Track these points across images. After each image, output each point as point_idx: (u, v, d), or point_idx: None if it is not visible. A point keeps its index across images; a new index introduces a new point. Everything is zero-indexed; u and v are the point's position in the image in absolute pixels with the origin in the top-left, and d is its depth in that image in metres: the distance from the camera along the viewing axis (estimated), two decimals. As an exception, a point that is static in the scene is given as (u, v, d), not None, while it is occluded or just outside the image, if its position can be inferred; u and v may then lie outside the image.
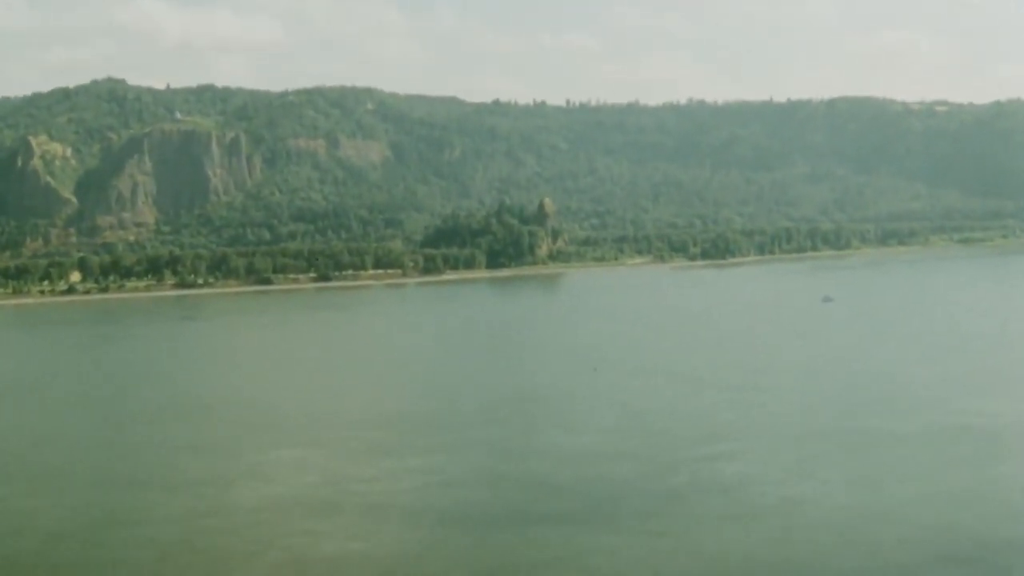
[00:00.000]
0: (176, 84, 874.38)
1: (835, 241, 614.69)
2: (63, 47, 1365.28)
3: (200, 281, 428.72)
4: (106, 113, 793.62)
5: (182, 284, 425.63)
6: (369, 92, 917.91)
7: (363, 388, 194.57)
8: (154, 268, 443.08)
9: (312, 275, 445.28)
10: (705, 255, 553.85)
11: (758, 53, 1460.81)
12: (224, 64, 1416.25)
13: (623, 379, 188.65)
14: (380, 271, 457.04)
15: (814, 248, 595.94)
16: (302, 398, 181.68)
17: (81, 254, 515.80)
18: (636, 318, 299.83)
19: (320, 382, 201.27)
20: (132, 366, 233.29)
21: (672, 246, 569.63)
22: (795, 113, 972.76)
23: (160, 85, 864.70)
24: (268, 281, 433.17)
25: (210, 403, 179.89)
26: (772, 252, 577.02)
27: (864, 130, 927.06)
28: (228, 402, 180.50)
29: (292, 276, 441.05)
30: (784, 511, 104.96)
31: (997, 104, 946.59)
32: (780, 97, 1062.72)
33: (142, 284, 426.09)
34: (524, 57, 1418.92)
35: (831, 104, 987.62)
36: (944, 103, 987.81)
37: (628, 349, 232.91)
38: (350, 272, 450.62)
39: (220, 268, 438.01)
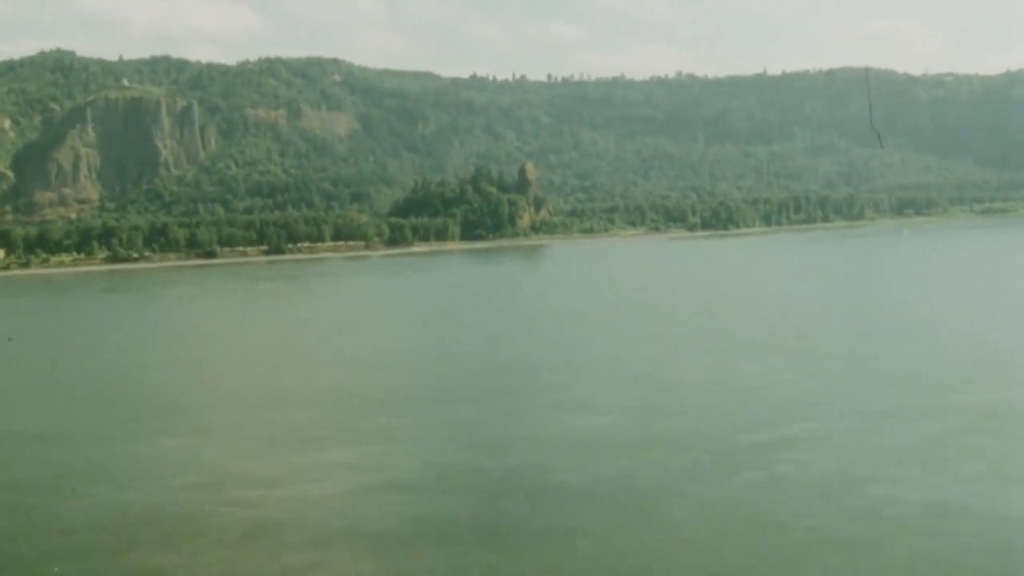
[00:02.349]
0: (130, 56, 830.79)
1: (847, 211, 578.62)
2: (28, 39, 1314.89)
3: (135, 255, 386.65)
4: (49, 83, 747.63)
5: (115, 258, 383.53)
6: (336, 63, 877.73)
7: (298, 360, 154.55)
8: (86, 242, 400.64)
9: (263, 248, 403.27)
10: (706, 225, 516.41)
11: (748, 38, 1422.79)
12: (195, 54, 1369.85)
13: (638, 346, 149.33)
14: (340, 243, 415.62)
15: (825, 219, 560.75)
16: (216, 373, 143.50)
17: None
18: (642, 284, 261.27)
19: (244, 354, 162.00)
20: (16, 341, 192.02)
21: (669, 216, 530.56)
22: (792, 84, 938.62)
23: (112, 57, 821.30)
24: (213, 254, 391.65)
25: (95, 380, 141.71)
26: (779, 223, 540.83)
27: (867, 101, 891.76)
28: (119, 379, 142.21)
29: (240, 249, 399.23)
30: (937, 527, 65.99)
31: (1008, 73, 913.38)
32: (774, 70, 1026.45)
33: (69, 259, 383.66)
34: (506, 46, 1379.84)
35: (830, 75, 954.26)
36: (951, 75, 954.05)
37: (640, 314, 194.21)
38: (306, 244, 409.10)
39: (158, 240, 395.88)
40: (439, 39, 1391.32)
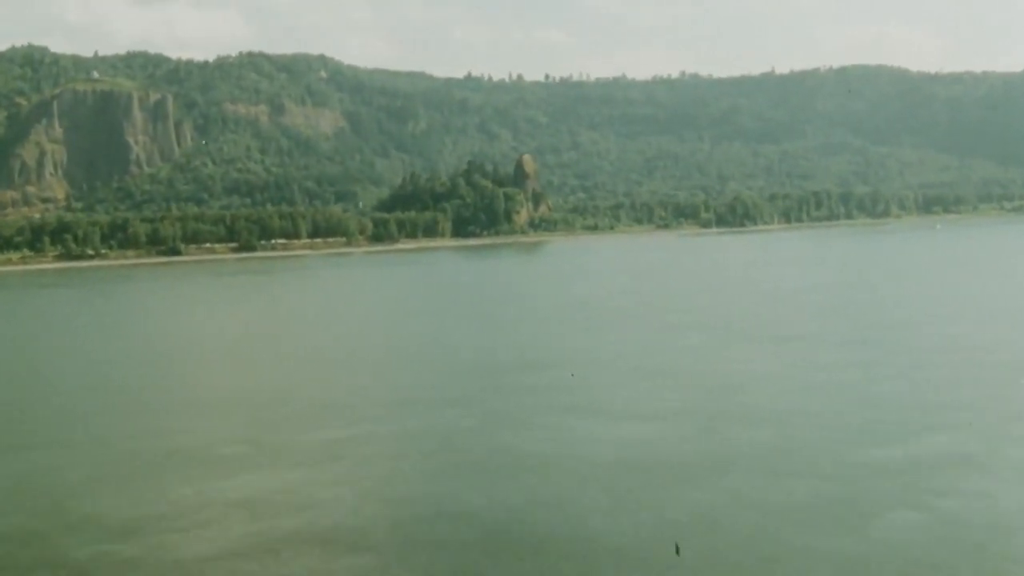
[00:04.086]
0: (106, 51, 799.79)
1: (871, 208, 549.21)
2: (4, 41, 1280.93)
3: (91, 252, 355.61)
4: (17, 78, 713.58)
5: (68, 256, 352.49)
6: (323, 59, 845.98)
7: (239, 357, 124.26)
8: (40, 239, 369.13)
9: (233, 245, 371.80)
10: (720, 222, 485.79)
11: (750, 41, 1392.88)
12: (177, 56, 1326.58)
13: (671, 335, 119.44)
14: (318, 240, 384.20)
15: (848, 216, 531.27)
16: (130, 371, 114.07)
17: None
18: (661, 275, 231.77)
19: (173, 350, 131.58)
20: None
21: (680, 212, 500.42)
22: (802, 83, 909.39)
23: (87, 52, 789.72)
24: (176, 251, 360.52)
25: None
26: (799, 219, 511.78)
27: (881, 98, 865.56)
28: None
29: (207, 246, 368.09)
30: None
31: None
32: (782, 69, 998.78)
33: (17, 256, 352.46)
34: (501, 52, 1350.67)
35: (841, 72, 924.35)
36: (969, 73, 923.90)
37: (665, 303, 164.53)
38: (281, 241, 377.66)
39: (116, 237, 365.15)
40: (432, 45, 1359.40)
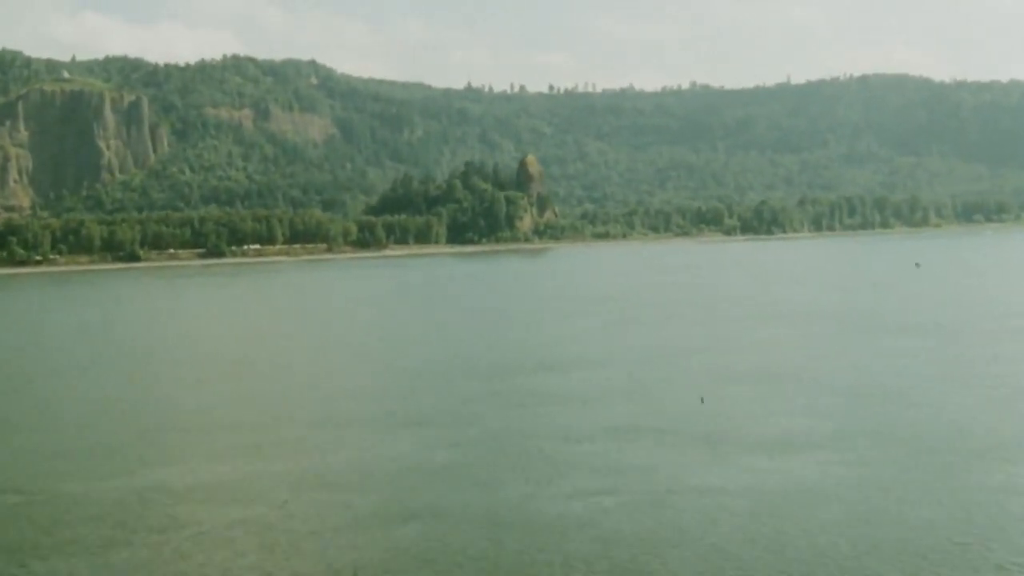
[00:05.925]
0: (84, 56, 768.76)
1: (908, 215, 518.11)
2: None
3: (38, 258, 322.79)
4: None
5: (12, 261, 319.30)
6: (313, 65, 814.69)
7: (134, 368, 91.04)
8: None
9: (199, 251, 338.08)
10: (745, 229, 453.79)
11: (757, 54, 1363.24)
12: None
13: (743, 328, 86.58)
14: (296, 246, 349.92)
15: (883, 223, 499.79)
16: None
17: None
18: (707, 270, 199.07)
19: (49, 361, 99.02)
20: None
21: (701, 219, 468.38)
22: (820, 91, 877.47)
23: (64, 56, 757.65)
24: (134, 257, 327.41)
25: None
26: (831, 227, 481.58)
27: (906, 107, 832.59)
28: None
29: (170, 251, 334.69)
30: None
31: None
32: (798, 79, 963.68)
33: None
34: (503, 71, 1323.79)
35: (863, 81, 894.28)
36: (996, 82, 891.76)
37: (723, 292, 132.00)
38: (254, 247, 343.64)
39: (67, 241, 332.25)
40: (431, 64, 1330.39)
